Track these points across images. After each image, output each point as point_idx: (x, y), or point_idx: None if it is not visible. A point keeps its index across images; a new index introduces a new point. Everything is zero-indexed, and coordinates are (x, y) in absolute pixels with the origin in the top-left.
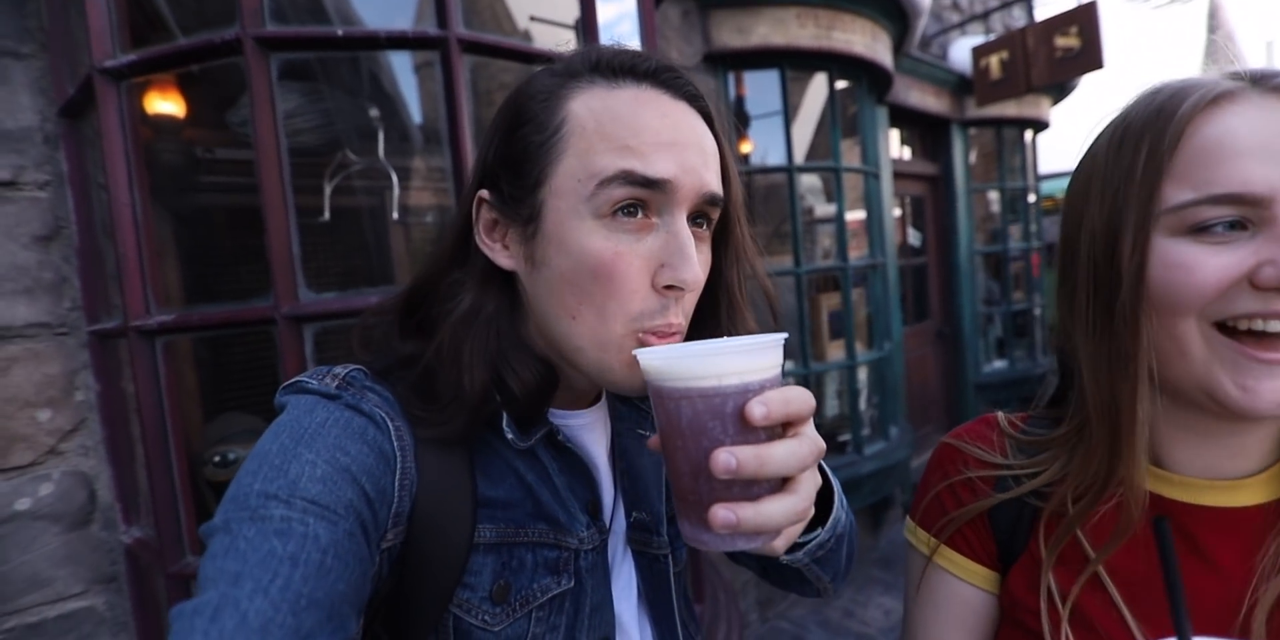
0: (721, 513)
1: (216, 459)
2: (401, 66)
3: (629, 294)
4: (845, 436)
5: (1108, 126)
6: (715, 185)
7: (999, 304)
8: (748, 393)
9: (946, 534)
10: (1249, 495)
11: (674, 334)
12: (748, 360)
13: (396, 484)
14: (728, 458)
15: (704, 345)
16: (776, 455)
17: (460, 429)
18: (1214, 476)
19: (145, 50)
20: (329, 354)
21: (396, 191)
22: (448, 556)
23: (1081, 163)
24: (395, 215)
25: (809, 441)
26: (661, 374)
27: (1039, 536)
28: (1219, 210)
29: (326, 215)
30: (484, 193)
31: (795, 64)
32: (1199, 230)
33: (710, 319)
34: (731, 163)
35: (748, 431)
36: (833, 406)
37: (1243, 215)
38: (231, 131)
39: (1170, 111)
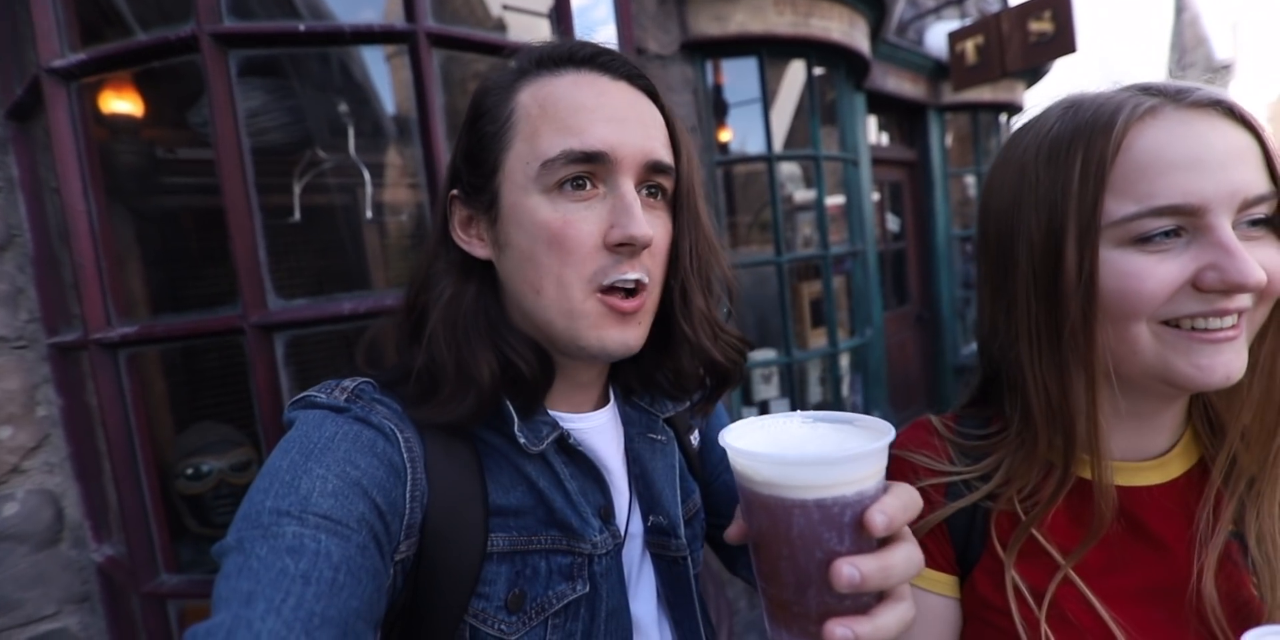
0: (839, 631)
1: (189, 472)
2: (371, 59)
3: (582, 258)
4: None
5: (1028, 141)
6: (660, 153)
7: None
8: (864, 500)
9: None
10: (1174, 467)
11: (639, 294)
12: (868, 466)
13: (407, 496)
14: (851, 572)
15: (819, 452)
16: (898, 565)
17: (469, 410)
18: (1144, 457)
19: (95, 49)
20: (302, 362)
21: (370, 189)
22: (461, 566)
23: (1003, 176)
24: (369, 214)
25: (915, 543)
26: (771, 481)
27: (993, 536)
28: (1160, 221)
29: (297, 216)
30: (454, 191)
31: (773, 52)
32: (1141, 240)
33: (666, 296)
34: (684, 136)
35: (863, 540)
36: (816, 393)
37: (1179, 224)
38: (195, 130)
39: (1102, 127)
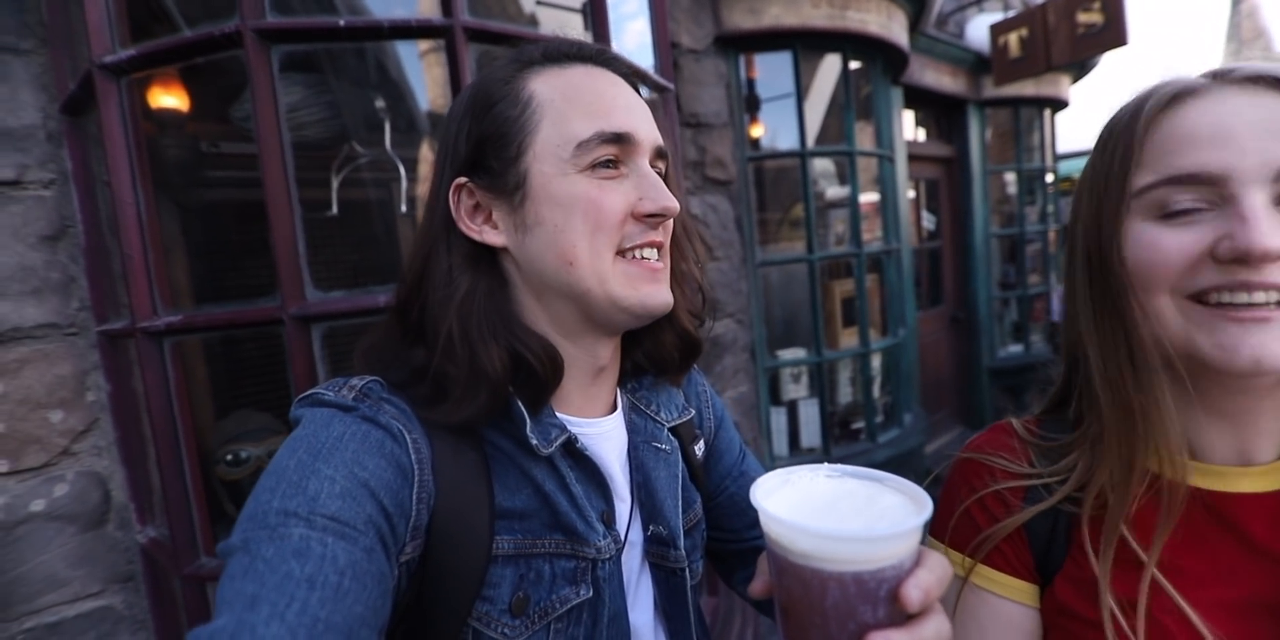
0: None
1: (229, 458)
2: (407, 55)
3: (614, 226)
4: (859, 424)
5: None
6: (662, 140)
7: (1015, 288)
8: (900, 574)
9: (984, 552)
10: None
11: (659, 247)
12: (909, 541)
13: (414, 497)
14: None
15: (863, 529)
16: (928, 639)
17: (482, 409)
18: (1246, 462)
19: (144, 45)
20: (340, 353)
21: (405, 183)
22: (466, 569)
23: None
24: (404, 208)
25: (944, 614)
26: (808, 553)
27: (1081, 542)
28: (1182, 193)
29: (334, 209)
30: (461, 179)
31: (808, 45)
32: (1169, 214)
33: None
34: (665, 130)
35: (896, 612)
36: (846, 394)
37: (1204, 196)
38: (237, 124)
39: (1138, 110)
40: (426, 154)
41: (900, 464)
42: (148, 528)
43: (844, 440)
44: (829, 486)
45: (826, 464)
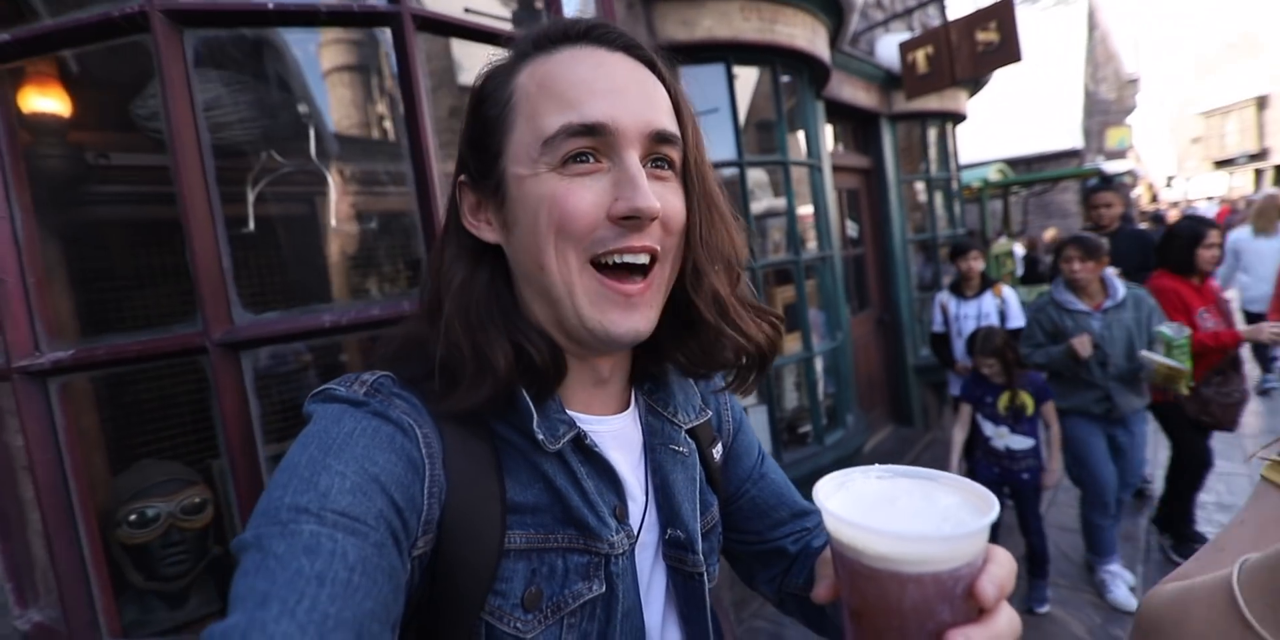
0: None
1: (133, 518)
2: (340, 49)
3: (583, 228)
4: (806, 427)
5: None
6: (664, 123)
7: (931, 289)
8: (974, 571)
9: None
10: None
11: (649, 273)
12: (984, 538)
13: (426, 491)
14: None
15: (946, 529)
16: (1004, 634)
17: (485, 397)
18: None
19: (21, 29)
20: (273, 383)
21: (333, 195)
22: (478, 563)
23: None
24: (333, 222)
25: (1011, 608)
26: (886, 556)
27: None
28: None
29: (251, 226)
30: (462, 177)
31: (740, 58)
32: None
33: (680, 275)
34: (687, 106)
35: (969, 609)
36: (792, 399)
37: None
38: (130, 132)
39: None
40: (357, 167)
41: (845, 465)
42: (29, 611)
43: (793, 445)
44: (882, 487)
45: (877, 465)
